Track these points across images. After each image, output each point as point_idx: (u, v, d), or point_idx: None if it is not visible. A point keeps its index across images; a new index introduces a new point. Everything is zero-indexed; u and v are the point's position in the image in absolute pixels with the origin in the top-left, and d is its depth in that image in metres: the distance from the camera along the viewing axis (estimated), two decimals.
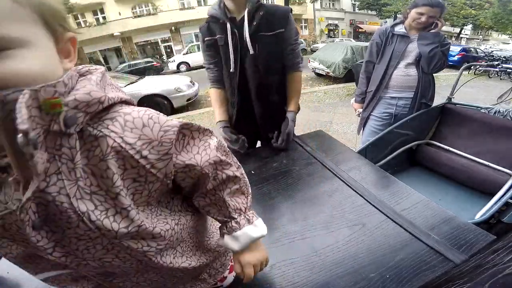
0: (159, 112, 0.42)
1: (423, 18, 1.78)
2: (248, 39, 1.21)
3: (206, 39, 1.30)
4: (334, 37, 26.66)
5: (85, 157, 0.36)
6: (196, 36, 21.32)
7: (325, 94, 6.81)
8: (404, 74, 1.94)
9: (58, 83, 0.33)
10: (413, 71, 1.92)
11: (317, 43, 23.43)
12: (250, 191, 0.61)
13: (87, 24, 21.01)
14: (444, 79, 8.03)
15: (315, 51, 12.83)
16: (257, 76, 1.29)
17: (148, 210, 0.45)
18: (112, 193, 0.38)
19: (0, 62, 0.29)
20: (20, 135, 0.28)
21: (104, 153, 0.36)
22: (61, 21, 0.37)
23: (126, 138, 0.38)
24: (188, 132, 0.46)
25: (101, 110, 0.37)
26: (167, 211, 0.50)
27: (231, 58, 1.25)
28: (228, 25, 1.21)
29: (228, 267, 0.73)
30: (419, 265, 0.72)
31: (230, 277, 0.75)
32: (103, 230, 0.38)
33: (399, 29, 1.94)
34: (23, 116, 0.28)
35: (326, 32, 27.71)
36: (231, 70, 1.28)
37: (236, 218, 0.56)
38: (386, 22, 24.74)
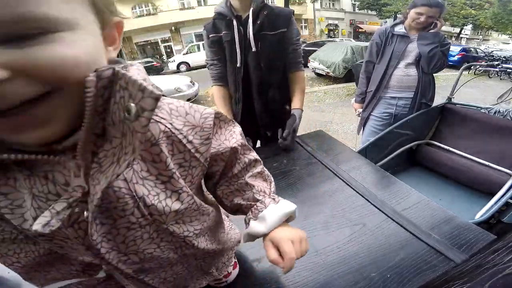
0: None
1: (422, 18, 1.78)
2: (251, 37, 1.25)
3: (211, 35, 1.33)
4: (334, 37, 26.66)
5: None
6: (196, 36, 21.42)
7: (325, 94, 6.82)
8: (404, 74, 1.94)
9: (125, 65, 0.35)
10: (413, 71, 1.92)
11: None
12: (272, 180, 0.62)
13: None
14: (444, 79, 8.04)
15: (315, 51, 12.84)
16: (259, 73, 1.32)
17: None
18: (164, 177, 0.40)
19: (47, 46, 0.26)
20: (133, 104, 0.28)
21: (156, 138, 0.38)
22: (108, 4, 0.35)
23: (175, 124, 0.40)
24: (217, 121, 0.49)
25: None
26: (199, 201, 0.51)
27: (237, 53, 1.28)
28: (235, 22, 1.25)
29: (233, 263, 0.74)
30: (419, 265, 0.72)
31: (234, 273, 0.75)
32: (155, 215, 0.39)
33: (399, 29, 1.95)
34: (144, 77, 0.31)
35: (326, 32, 27.70)
36: (237, 65, 1.31)
37: (260, 199, 0.54)
38: (386, 22, 24.74)
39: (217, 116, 0.48)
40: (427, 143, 2.25)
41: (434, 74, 1.99)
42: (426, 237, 0.80)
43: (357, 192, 1.02)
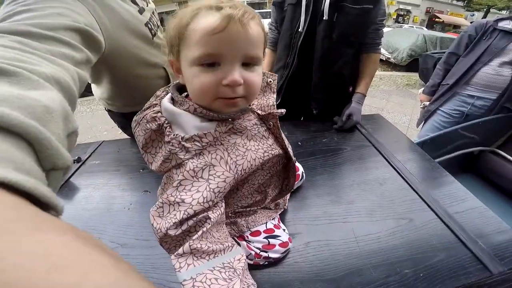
0: None
1: None
2: (327, 5, 1.15)
3: None
4: (403, 23, 24.47)
5: None
6: None
7: (381, 80, 6.43)
8: (494, 73, 1.75)
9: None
10: (507, 71, 1.72)
11: None
12: None
13: None
14: None
15: None
16: (327, 44, 1.23)
17: None
18: None
19: (255, 73, 0.48)
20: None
21: None
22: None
23: None
24: None
25: None
26: None
27: (302, 18, 1.22)
28: None
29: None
30: (455, 269, 0.69)
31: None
32: None
33: (505, 24, 1.73)
34: None
35: (394, 17, 25.43)
36: (299, 30, 1.24)
37: None
38: (473, 15, 22.05)
39: None
40: (491, 151, 2.05)
41: None
42: (471, 244, 0.75)
43: (410, 186, 0.97)
